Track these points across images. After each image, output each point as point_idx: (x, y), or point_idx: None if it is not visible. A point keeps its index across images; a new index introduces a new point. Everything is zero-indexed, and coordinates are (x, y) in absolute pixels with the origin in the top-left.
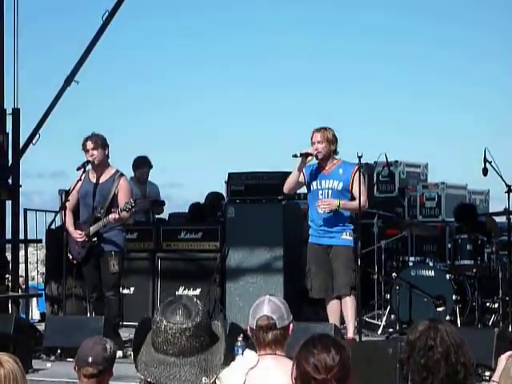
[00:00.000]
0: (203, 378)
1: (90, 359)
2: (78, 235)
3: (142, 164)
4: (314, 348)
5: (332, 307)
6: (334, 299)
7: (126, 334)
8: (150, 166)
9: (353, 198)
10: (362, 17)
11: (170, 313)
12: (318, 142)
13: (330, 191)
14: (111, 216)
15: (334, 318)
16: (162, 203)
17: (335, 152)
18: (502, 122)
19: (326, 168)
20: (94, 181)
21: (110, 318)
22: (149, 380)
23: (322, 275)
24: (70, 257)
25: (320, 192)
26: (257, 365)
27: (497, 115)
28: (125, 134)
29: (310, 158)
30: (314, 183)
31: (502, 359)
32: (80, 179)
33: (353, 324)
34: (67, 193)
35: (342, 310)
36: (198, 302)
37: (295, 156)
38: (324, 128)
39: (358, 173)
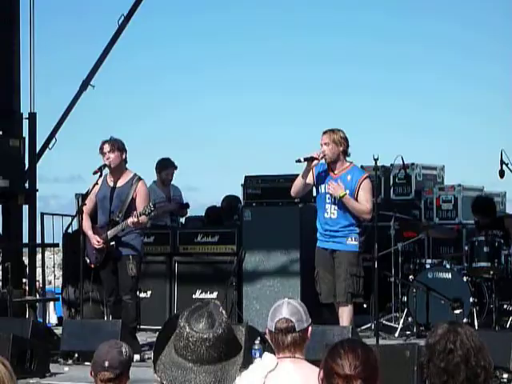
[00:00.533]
0: None
1: (107, 363)
2: (96, 241)
3: (168, 165)
4: (342, 348)
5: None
6: None
7: (143, 337)
8: (175, 167)
9: None
10: (375, 21)
11: (195, 320)
12: (325, 144)
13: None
14: (130, 220)
15: (345, 323)
16: (187, 205)
17: (346, 154)
18: None
19: (335, 172)
20: (112, 185)
21: (127, 322)
22: (164, 383)
23: (329, 279)
24: (88, 261)
25: (327, 196)
26: (276, 368)
27: None
28: (139, 137)
29: (315, 161)
30: (322, 186)
31: None
32: (97, 183)
33: None
34: (84, 197)
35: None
36: (223, 311)
37: (298, 161)
38: (332, 130)
39: (366, 180)
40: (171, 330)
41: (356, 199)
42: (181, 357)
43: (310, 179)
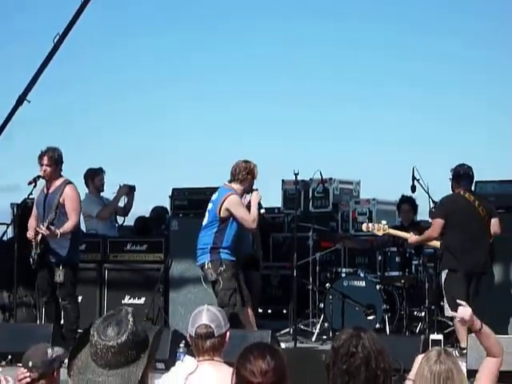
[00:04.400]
0: None
1: (30, 363)
2: (31, 231)
3: (99, 171)
4: (251, 354)
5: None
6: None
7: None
8: (104, 172)
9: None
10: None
11: (103, 328)
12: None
13: None
14: (40, 231)
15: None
16: (134, 188)
17: None
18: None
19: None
20: (45, 192)
21: (67, 324)
22: None
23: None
24: (31, 261)
25: None
26: (196, 370)
27: (424, 133)
28: (72, 148)
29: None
30: None
31: (419, 359)
32: (31, 193)
33: None
34: (19, 206)
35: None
36: (131, 319)
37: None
38: None
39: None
40: (87, 338)
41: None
42: (93, 361)
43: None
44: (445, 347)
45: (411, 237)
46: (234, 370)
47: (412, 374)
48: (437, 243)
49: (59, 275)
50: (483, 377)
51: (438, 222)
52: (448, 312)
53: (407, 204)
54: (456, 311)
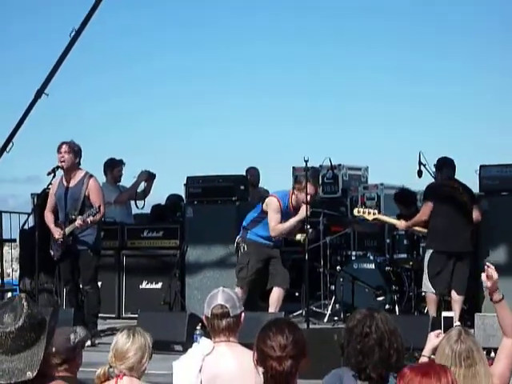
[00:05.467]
0: (28, 373)
1: (54, 349)
2: (57, 233)
3: (119, 162)
4: (270, 330)
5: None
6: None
7: None
8: (124, 164)
9: None
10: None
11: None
12: (311, 197)
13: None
14: (77, 222)
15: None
16: (154, 176)
17: None
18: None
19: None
20: (66, 185)
21: (89, 309)
22: None
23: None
24: (52, 253)
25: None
26: (212, 351)
27: (433, 121)
28: (92, 143)
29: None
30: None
31: (432, 336)
32: (51, 183)
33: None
34: (39, 196)
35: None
36: (25, 302)
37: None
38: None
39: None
40: None
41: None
42: None
43: (279, 217)
44: (464, 327)
45: (401, 222)
46: (255, 346)
47: (426, 351)
48: (423, 230)
49: (88, 260)
50: (503, 358)
51: (428, 206)
52: (426, 287)
53: (397, 202)
54: (434, 287)
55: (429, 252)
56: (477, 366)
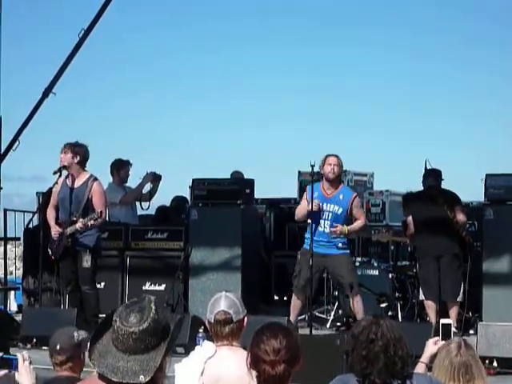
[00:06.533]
0: (140, 377)
1: (58, 347)
2: (54, 231)
3: (126, 163)
4: (264, 334)
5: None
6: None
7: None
8: (131, 164)
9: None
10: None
11: (125, 314)
12: (335, 165)
13: (330, 214)
14: (78, 225)
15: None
16: (160, 177)
17: (340, 179)
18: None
19: (328, 192)
20: (70, 185)
21: (88, 309)
22: (96, 369)
23: (307, 277)
24: (50, 252)
25: (322, 213)
26: (214, 355)
27: (440, 127)
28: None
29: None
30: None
31: (430, 343)
32: (57, 183)
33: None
34: (44, 195)
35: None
36: (153, 306)
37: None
38: (337, 155)
39: (356, 198)
40: (109, 323)
41: (350, 215)
42: (114, 346)
43: (305, 203)
44: (464, 338)
45: (407, 237)
46: (249, 349)
47: (425, 357)
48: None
49: (87, 261)
50: None
51: (408, 220)
52: (422, 295)
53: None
54: (425, 295)
55: (418, 261)
56: (475, 381)
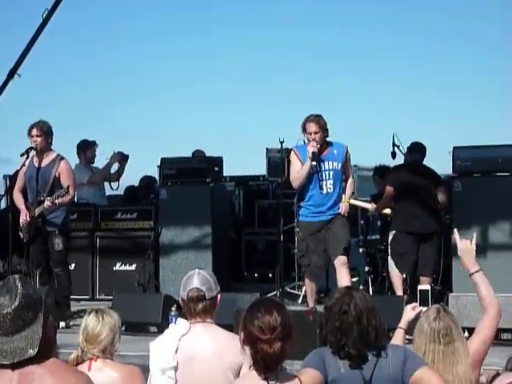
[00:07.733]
0: (29, 351)
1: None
2: (24, 216)
3: (92, 143)
4: (258, 311)
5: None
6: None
7: None
8: (97, 145)
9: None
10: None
11: None
12: (315, 133)
13: (330, 172)
14: (45, 204)
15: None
16: (127, 157)
17: (326, 140)
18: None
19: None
20: (37, 165)
21: (60, 291)
22: None
23: (320, 251)
24: (21, 235)
25: (320, 174)
26: (188, 332)
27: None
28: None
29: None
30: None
31: (408, 309)
32: (24, 164)
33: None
34: (11, 178)
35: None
36: (19, 283)
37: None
38: (316, 116)
39: (348, 150)
40: None
41: (345, 169)
42: None
43: (299, 166)
44: (443, 304)
45: (372, 206)
46: (242, 326)
47: (403, 323)
48: (388, 211)
49: (58, 244)
50: (482, 330)
51: (388, 190)
52: (391, 268)
53: (377, 175)
54: (398, 267)
55: (391, 233)
56: (455, 343)
